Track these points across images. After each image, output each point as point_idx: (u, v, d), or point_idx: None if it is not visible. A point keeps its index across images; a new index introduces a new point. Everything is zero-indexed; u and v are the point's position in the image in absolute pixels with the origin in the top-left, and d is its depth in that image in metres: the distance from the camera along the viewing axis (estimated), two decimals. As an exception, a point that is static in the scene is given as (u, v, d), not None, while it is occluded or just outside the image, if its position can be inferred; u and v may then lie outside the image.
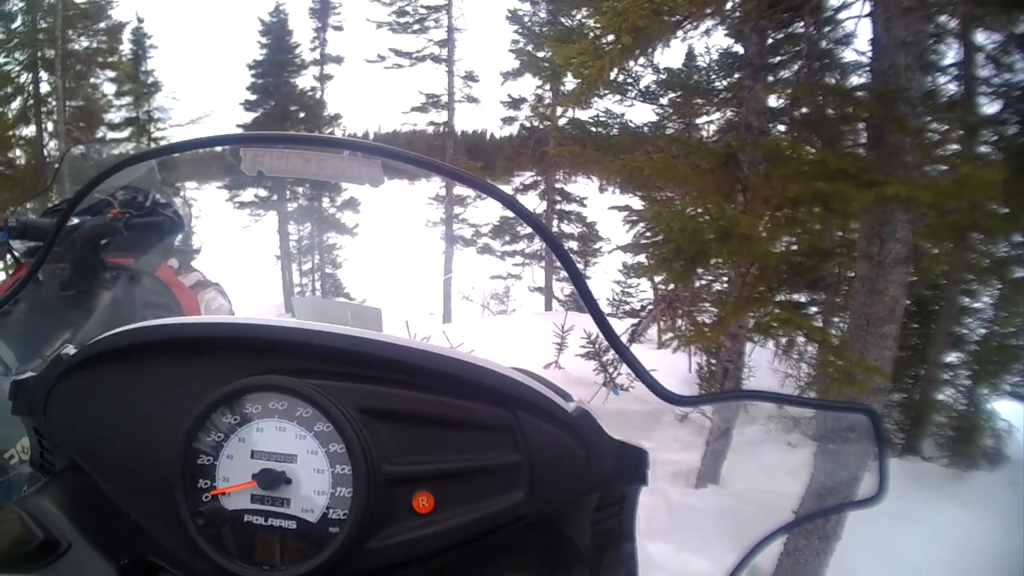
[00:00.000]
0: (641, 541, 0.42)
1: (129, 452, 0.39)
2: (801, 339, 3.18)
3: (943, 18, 3.36)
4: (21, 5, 10.23)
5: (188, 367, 0.40)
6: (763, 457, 4.27)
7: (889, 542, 3.13)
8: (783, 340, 3.28)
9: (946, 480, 4.25)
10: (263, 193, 13.62)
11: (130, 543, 0.39)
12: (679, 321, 6.59)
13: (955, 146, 3.56)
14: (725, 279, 4.55)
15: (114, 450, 0.40)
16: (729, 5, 3.51)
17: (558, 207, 11.77)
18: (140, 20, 12.47)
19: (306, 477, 0.37)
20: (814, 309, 4.45)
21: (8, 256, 1.42)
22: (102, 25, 11.12)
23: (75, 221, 1.39)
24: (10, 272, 1.50)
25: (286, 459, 0.37)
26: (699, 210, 2.95)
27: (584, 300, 0.43)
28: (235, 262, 8.58)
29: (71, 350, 0.44)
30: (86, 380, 0.42)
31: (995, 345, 4.82)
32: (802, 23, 3.56)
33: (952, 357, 5.00)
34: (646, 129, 4.64)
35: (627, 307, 9.93)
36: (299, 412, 0.37)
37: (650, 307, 7.00)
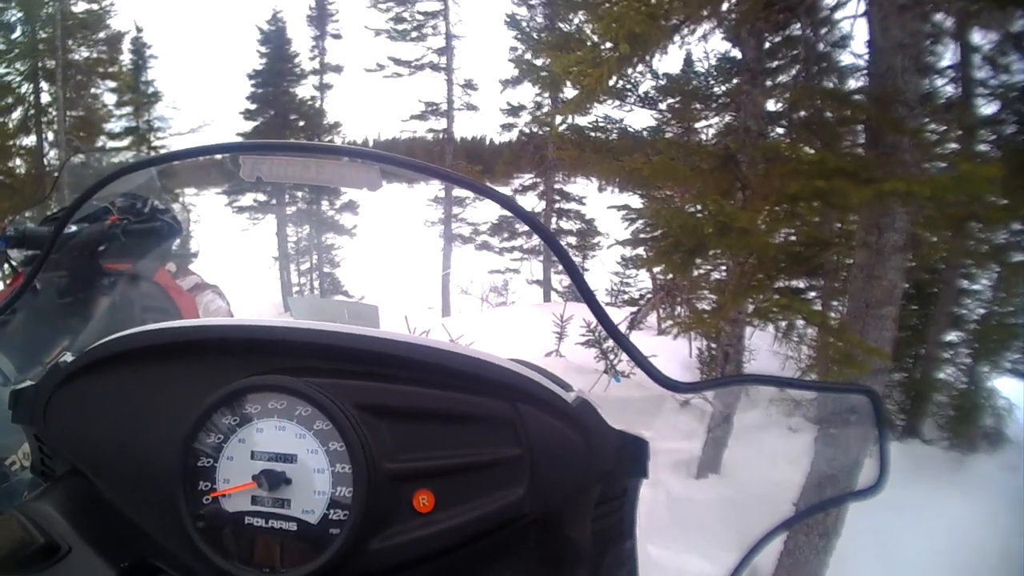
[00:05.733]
0: (641, 539, 0.42)
1: (129, 456, 0.39)
2: (800, 322, 3.17)
3: (939, 16, 3.37)
4: (20, 15, 10.28)
5: (186, 370, 0.40)
6: (764, 443, 4.26)
7: (890, 534, 3.10)
8: (783, 324, 3.28)
9: (947, 465, 4.24)
10: (262, 197, 13.68)
11: (131, 546, 0.39)
12: (678, 309, 6.59)
13: (954, 145, 3.57)
14: (724, 268, 4.56)
15: (114, 454, 0.40)
16: (725, 6, 3.52)
17: (557, 206, 11.87)
18: (139, 30, 12.55)
19: (306, 477, 0.36)
20: (813, 294, 4.45)
21: (6, 265, 1.43)
22: (101, 35, 11.16)
23: (73, 229, 1.39)
24: (8, 282, 1.50)
25: (286, 459, 0.37)
26: (698, 207, 2.96)
27: (582, 294, 0.43)
28: (234, 264, 8.60)
29: (69, 357, 0.43)
30: (85, 386, 0.42)
31: (994, 323, 4.81)
32: (799, 26, 3.57)
33: (952, 336, 4.99)
34: (645, 133, 4.66)
35: (626, 296, 9.89)
36: (298, 411, 0.37)
37: (649, 296, 7.00)
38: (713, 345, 5.44)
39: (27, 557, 0.36)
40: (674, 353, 5.86)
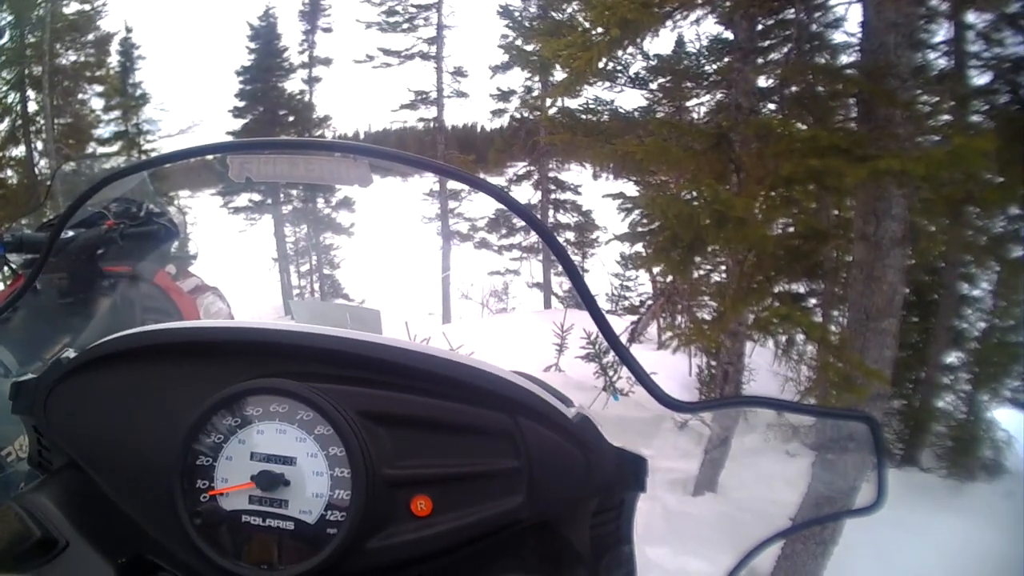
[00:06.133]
0: (639, 545, 0.42)
1: (128, 452, 0.40)
2: (801, 337, 3.18)
3: (935, 1, 3.35)
4: (9, 20, 10.10)
5: (188, 371, 0.40)
6: (761, 466, 4.26)
7: (887, 551, 3.14)
8: (783, 339, 3.29)
9: (944, 492, 4.26)
10: (257, 197, 13.55)
11: (128, 541, 0.39)
12: (679, 318, 6.55)
13: (947, 117, 3.55)
14: (723, 268, 4.54)
15: (113, 450, 0.40)
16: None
17: (553, 196, 11.71)
18: (128, 30, 12.29)
19: (305, 479, 0.37)
20: (813, 301, 4.41)
21: (6, 268, 1.44)
22: (90, 37, 10.96)
23: (70, 234, 1.40)
24: (8, 283, 1.52)
25: (285, 461, 0.37)
26: (693, 193, 2.95)
27: (584, 300, 0.42)
28: (233, 266, 8.55)
29: (71, 353, 0.44)
30: (86, 382, 0.42)
31: (995, 343, 4.77)
32: (792, 9, 3.54)
33: (952, 357, 4.95)
34: (636, 114, 4.63)
35: (626, 302, 9.80)
36: (300, 415, 0.37)
37: (649, 303, 6.96)
38: (713, 363, 5.37)
39: (25, 551, 0.36)
40: (674, 371, 5.81)
